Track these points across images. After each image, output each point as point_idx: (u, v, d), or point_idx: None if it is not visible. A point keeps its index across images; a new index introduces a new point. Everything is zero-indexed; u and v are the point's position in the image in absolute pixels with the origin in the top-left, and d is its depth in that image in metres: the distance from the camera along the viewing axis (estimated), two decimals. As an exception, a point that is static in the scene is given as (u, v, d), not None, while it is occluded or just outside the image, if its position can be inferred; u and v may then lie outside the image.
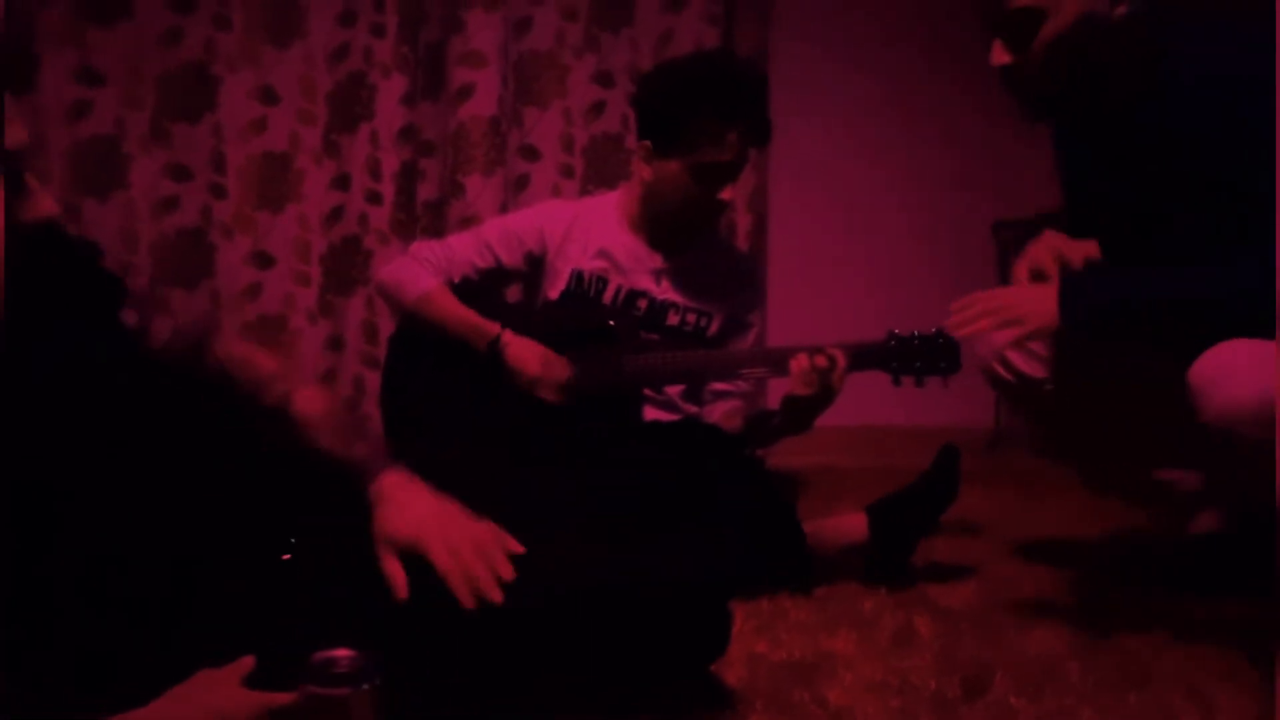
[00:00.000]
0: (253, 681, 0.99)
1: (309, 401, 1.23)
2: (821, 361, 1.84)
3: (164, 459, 1.10)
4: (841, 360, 1.84)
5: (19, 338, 1.00)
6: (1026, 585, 1.82)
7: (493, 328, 1.99)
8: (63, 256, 1.12)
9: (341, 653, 0.95)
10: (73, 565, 0.99)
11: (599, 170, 2.84)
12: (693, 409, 2.11)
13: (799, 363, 1.84)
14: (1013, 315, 1.52)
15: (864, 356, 1.89)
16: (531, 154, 2.84)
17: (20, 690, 0.95)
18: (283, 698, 0.97)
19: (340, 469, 1.19)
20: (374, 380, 2.76)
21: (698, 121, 1.93)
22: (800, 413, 1.89)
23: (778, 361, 1.91)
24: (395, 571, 1.12)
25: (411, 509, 1.16)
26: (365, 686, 0.95)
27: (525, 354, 1.97)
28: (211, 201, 2.75)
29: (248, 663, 0.99)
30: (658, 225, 2.09)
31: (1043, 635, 1.55)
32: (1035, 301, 1.52)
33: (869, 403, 2.26)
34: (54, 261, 1.08)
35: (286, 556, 1.13)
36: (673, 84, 2.00)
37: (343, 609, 1.08)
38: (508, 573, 1.12)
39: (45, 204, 1.03)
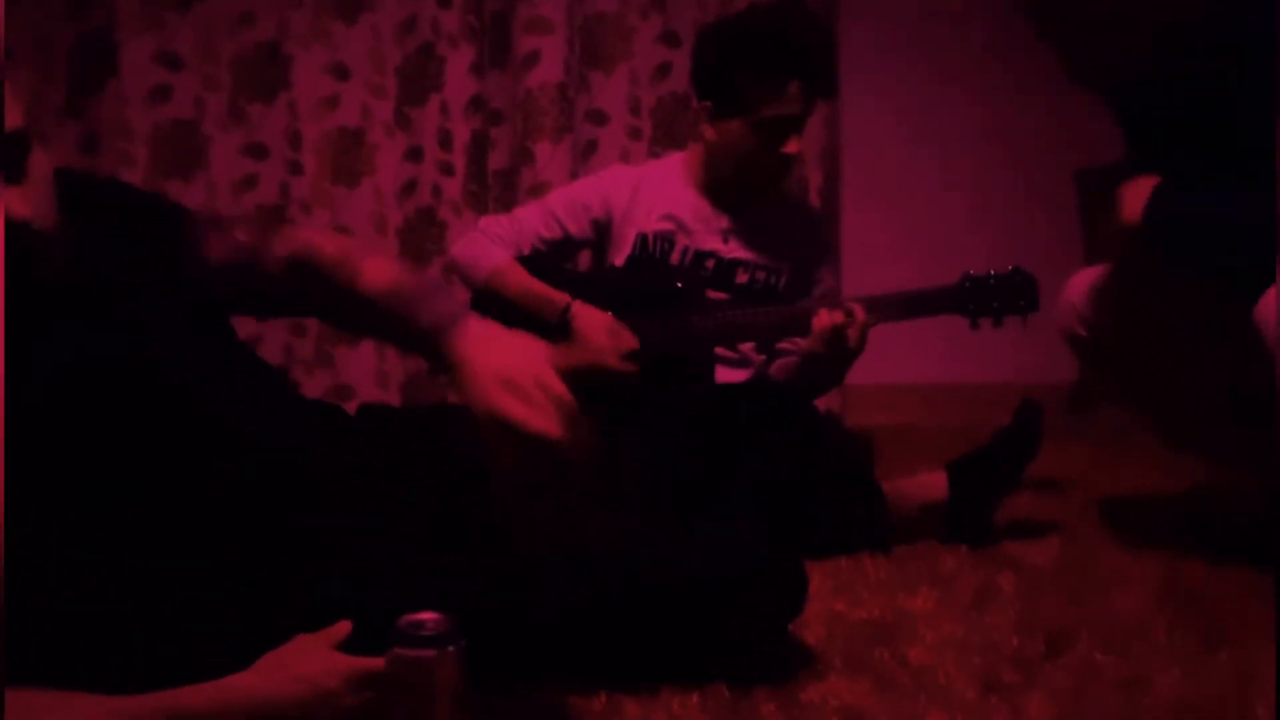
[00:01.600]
0: (346, 647, 1.02)
1: (375, 274, 1.17)
2: (839, 316, 1.82)
3: (250, 429, 1.13)
4: (860, 314, 1.82)
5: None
6: (1109, 543, 1.79)
7: (562, 298, 2.00)
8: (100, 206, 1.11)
9: (428, 616, 0.98)
10: (168, 534, 1.03)
11: (667, 131, 2.83)
12: (762, 362, 2.10)
13: (819, 319, 1.83)
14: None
15: (938, 301, 1.86)
16: (599, 118, 2.84)
17: (120, 657, 0.99)
18: (372, 662, 1.01)
19: (415, 339, 1.11)
20: (452, 349, 2.81)
21: (756, 76, 1.90)
22: (818, 369, 1.89)
23: (801, 319, 1.91)
24: (487, 439, 1.01)
25: (483, 372, 1.02)
26: (451, 648, 0.98)
27: (592, 323, 1.97)
28: (289, 178, 2.80)
29: (342, 628, 1.03)
30: (724, 185, 2.08)
31: (1127, 594, 1.53)
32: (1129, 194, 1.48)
33: (947, 359, 2.24)
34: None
35: (374, 523, 1.16)
36: (728, 40, 1.97)
37: (430, 573, 1.11)
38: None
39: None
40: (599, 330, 1.97)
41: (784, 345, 2.09)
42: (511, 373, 1.00)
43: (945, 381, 2.69)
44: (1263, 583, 1.51)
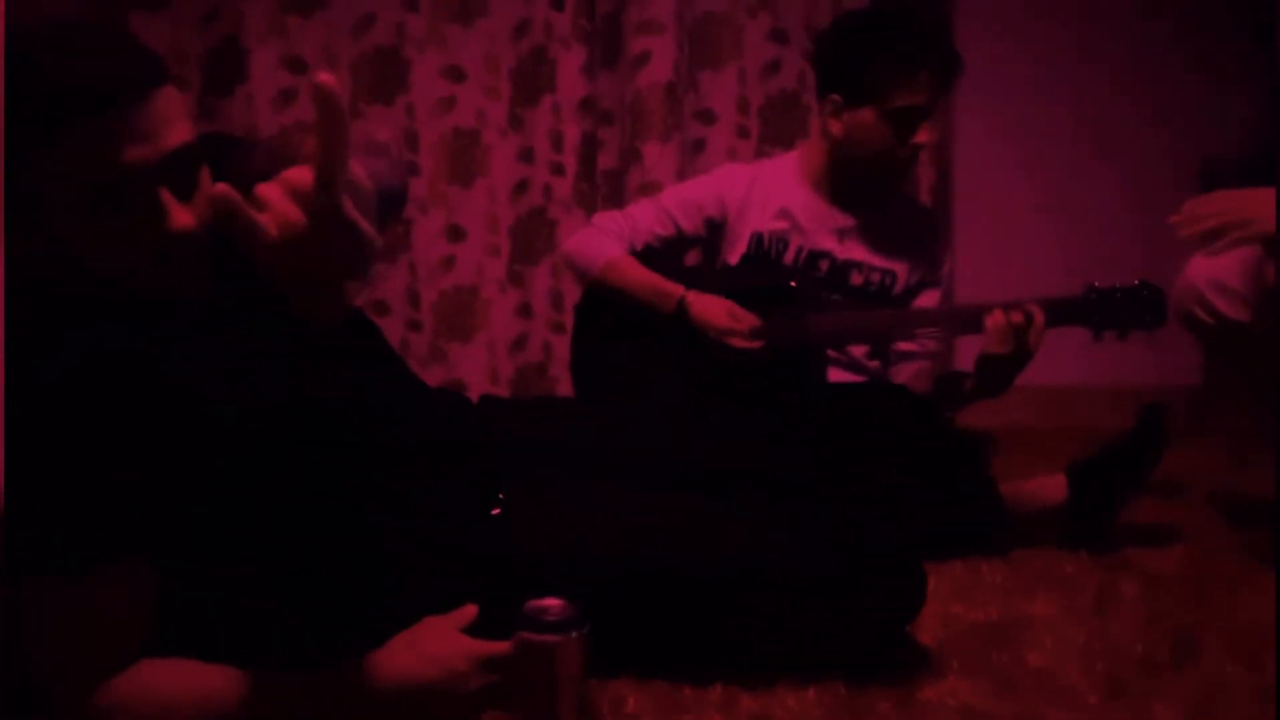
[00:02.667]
0: (473, 630, 1.06)
1: None
2: (1018, 318, 1.79)
3: (382, 420, 1.18)
4: (1039, 316, 1.79)
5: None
6: (1234, 549, 1.74)
7: (677, 289, 2.02)
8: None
9: (552, 602, 1.01)
10: (306, 522, 1.08)
11: (776, 130, 2.83)
12: (876, 367, 2.09)
13: (994, 320, 1.80)
14: (1242, 216, 1.44)
15: (1063, 311, 1.83)
16: (708, 118, 2.85)
17: (261, 636, 1.04)
18: (499, 646, 1.04)
19: None
20: (562, 346, 2.85)
21: (889, 65, 1.90)
22: (997, 372, 1.85)
23: (969, 319, 1.87)
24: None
25: None
26: (574, 634, 1.01)
27: (711, 308, 1.98)
28: (407, 179, 2.88)
29: (470, 611, 1.06)
30: (844, 181, 2.07)
31: (1255, 601, 1.48)
32: (1266, 203, 1.43)
33: (1066, 361, 2.18)
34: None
35: (497, 510, 1.19)
36: (858, 31, 1.97)
37: (554, 560, 1.13)
38: None
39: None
40: (719, 314, 1.97)
41: (903, 347, 2.07)
42: None
43: (1064, 384, 2.63)
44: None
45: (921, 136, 1.94)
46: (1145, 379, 2.45)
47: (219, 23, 2.74)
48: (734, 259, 2.10)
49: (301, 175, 0.84)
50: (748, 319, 1.95)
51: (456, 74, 2.84)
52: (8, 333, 0.92)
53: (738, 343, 1.94)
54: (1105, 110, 2.89)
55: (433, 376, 2.85)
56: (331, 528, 1.05)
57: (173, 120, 0.95)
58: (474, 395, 2.44)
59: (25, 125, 0.90)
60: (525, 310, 2.92)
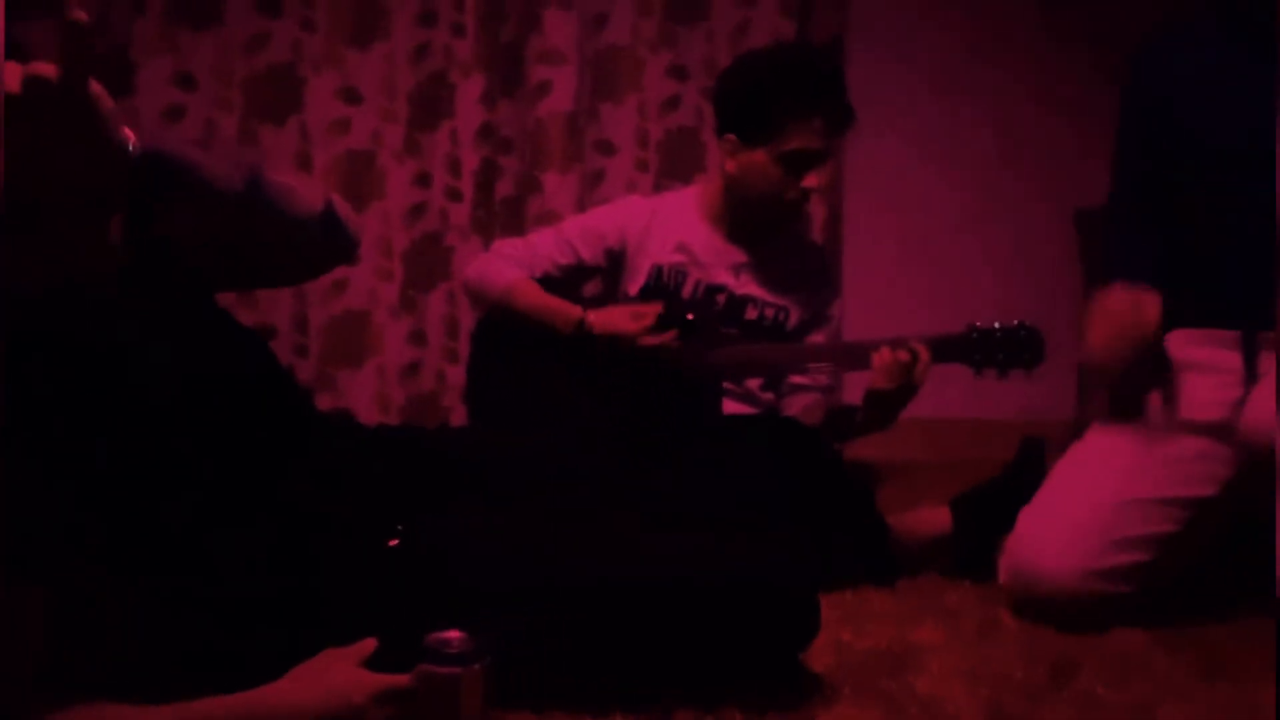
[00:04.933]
0: (372, 663, 1.04)
1: None
2: (904, 355, 1.85)
3: (274, 448, 1.15)
4: (924, 354, 1.86)
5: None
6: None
7: (575, 310, 2.03)
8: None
9: (454, 634, 1.00)
10: (200, 548, 1.05)
11: (673, 164, 2.87)
12: (769, 399, 2.13)
13: (881, 356, 1.86)
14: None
15: (945, 349, 1.90)
16: (607, 149, 2.87)
17: (155, 666, 1.01)
18: (399, 678, 1.02)
19: None
20: (456, 375, 2.82)
21: (784, 108, 1.95)
22: (883, 407, 1.91)
23: (859, 355, 1.93)
24: None
25: None
26: (476, 666, 1.00)
27: (613, 317, 2.00)
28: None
29: (369, 644, 1.05)
30: (740, 219, 2.11)
31: (1125, 630, 1.55)
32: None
33: (947, 396, 2.27)
34: None
35: (394, 542, 1.18)
36: (758, 73, 2.02)
37: (453, 591, 1.12)
38: None
39: None
40: (622, 319, 1.98)
41: (796, 380, 2.12)
42: None
43: (947, 417, 2.73)
44: (1260, 619, 1.54)
45: (811, 180, 1.99)
46: (1024, 413, 2.55)
47: (108, 34, 2.66)
48: (633, 290, 2.13)
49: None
50: (651, 310, 1.98)
51: (352, 95, 2.80)
52: None
53: (650, 340, 1.96)
54: (987, 157, 3.03)
55: (320, 403, 2.79)
56: (230, 554, 1.03)
57: None
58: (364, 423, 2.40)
59: None
60: (419, 338, 2.89)
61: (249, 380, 1.12)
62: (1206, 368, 1.62)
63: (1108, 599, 1.54)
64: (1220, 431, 1.57)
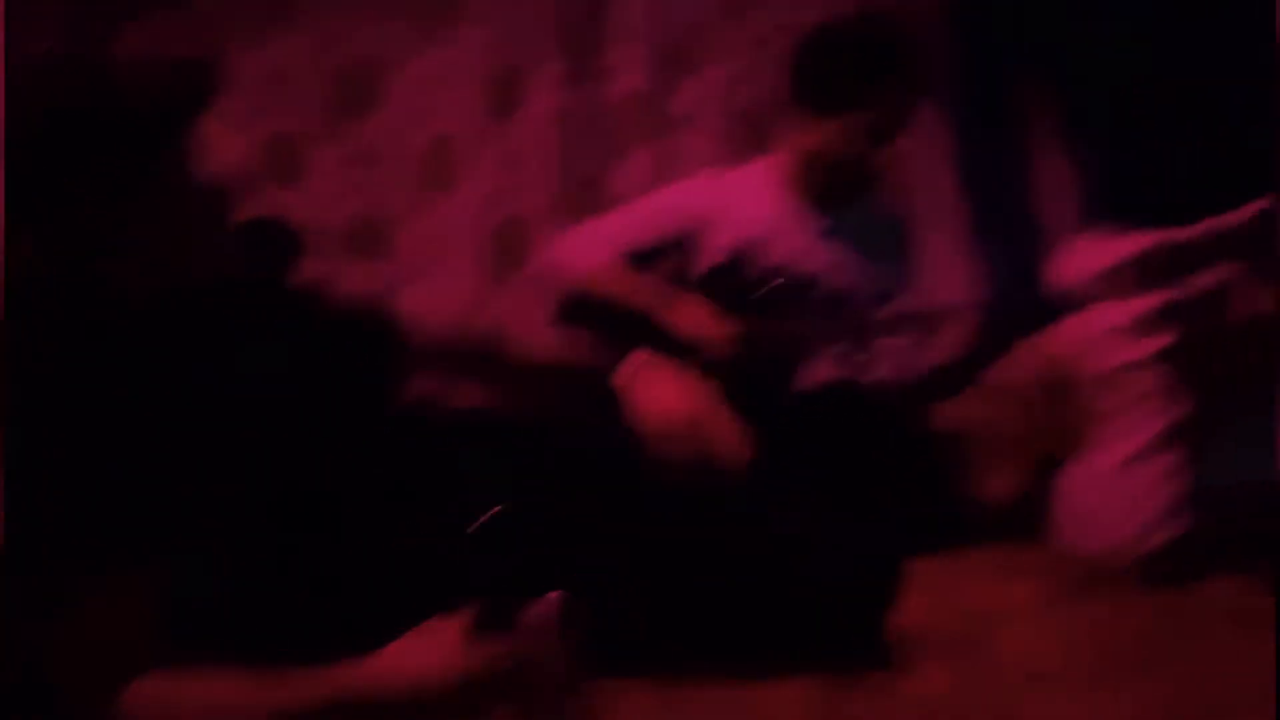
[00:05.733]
0: (473, 630, 1.08)
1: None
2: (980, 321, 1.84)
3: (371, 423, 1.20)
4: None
5: None
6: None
7: (659, 293, 2.04)
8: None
9: (551, 598, 1.04)
10: (310, 522, 1.10)
11: (752, 136, 2.87)
12: (859, 359, 2.13)
13: (955, 321, 1.85)
14: None
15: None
16: (684, 125, 2.88)
17: (261, 635, 1.06)
18: (500, 645, 1.06)
19: None
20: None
21: (858, 75, 1.94)
22: (963, 371, 1.90)
23: (934, 322, 1.92)
24: None
25: None
26: (573, 632, 1.04)
27: (694, 315, 2.01)
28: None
29: (470, 613, 1.09)
30: (814, 190, 2.11)
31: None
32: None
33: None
34: None
35: (496, 511, 1.21)
36: (831, 41, 2.01)
37: (553, 560, 1.16)
38: None
39: None
40: (703, 319, 2.00)
41: (874, 347, 2.11)
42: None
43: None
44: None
45: (888, 147, 1.98)
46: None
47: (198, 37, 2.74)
48: (705, 268, 2.13)
49: None
50: (728, 324, 1.99)
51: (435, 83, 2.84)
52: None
53: (718, 353, 1.97)
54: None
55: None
56: (334, 529, 1.08)
57: None
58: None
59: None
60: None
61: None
62: None
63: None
64: None
